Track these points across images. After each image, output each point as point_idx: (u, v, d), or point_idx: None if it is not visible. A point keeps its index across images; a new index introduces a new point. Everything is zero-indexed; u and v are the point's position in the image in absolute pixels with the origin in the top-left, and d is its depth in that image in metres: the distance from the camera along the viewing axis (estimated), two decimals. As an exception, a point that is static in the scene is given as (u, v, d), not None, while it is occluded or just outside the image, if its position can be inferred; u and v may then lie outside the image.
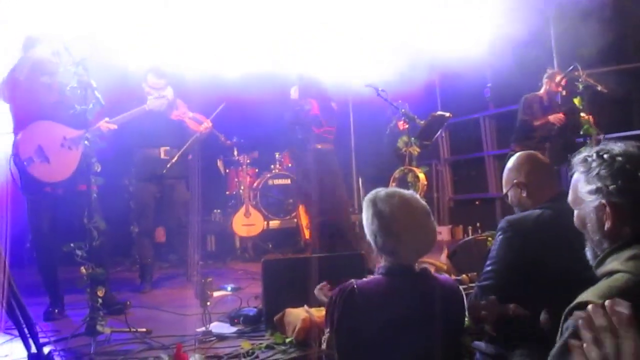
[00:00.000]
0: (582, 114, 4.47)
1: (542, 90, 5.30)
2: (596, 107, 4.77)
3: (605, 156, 1.18)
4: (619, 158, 1.16)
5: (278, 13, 5.23)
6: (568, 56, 5.21)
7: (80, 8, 4.19)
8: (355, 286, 1.76)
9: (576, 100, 4.42)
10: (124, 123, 4.10)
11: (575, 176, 1.25)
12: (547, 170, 2.26)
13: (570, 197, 1.29)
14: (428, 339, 1.76)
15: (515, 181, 2.19)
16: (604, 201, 1.17)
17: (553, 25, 5.94)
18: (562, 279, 1.83)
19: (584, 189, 1.21)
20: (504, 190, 2.27)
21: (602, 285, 1.11)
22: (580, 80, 4.51)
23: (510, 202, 2.27)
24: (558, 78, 5.13)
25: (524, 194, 2.16)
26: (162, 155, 4.65)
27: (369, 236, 1.87)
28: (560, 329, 1.10)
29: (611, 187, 1.15)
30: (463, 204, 7.79)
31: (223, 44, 5.29)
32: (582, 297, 1.08)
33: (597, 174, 1.18)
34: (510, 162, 2.25)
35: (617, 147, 1.19)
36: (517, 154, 2.28)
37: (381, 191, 1.87)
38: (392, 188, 1.96)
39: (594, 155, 1.20)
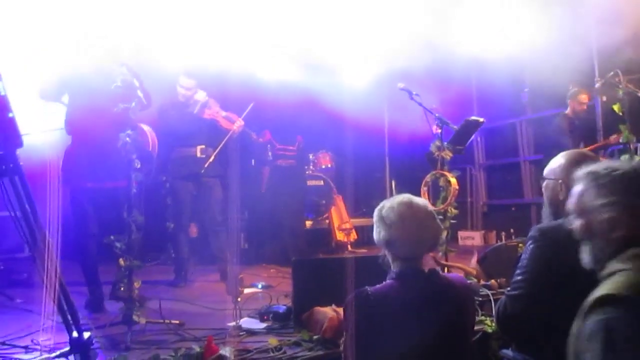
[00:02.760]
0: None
1: (568, 110, 5.52)
2: (636, 113, 4.66)
3: (614, 173, 1.33)
4: (627, 174, 1.33)
5: (310, 16, 5.29)
6: (609, 61, 5.10)
7: (119, 10, 4.35)
8: (369, 292, 1.85)
9: (615, 107, 4.32)
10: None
11: (580, 188, 1.39)
12: None
13: (573, 207, 1.41)
14: (441, 338, 1.81)
15: (559, 181, 2.12)
16: (614, 214, 1.31)
17: (594, 30, 5.82)
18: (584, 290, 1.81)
19: (594, 200, 1.34)
20: (544, 174, 2.21)
21: (612, 280, 1.23)
22: (620, 86, 4.40)
23: (543, 189, 2.20)
24: (581, 97, 5.39)
25: (561, 197, 2.09)
26: (199, 154, 4.78)
27: (375, 236, 1.98)
28: (581, 325, 1.19)
29: (621, 200, 1.32)
30: (497, 209, 7.68)
31: (258, 45, 5.39)
32: (598, 293, 1.19)
33: (608, 187, 1.32)
34: (563, 157, 2.18)
35: (624, 164, 1.37)
36: (572, 151, 2.23)
37: None
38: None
39: (602, 171, 1.34)
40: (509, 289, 2.08)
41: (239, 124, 4.89)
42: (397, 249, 1.92)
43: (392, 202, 1.95)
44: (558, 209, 2.12)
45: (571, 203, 1.43)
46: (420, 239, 1.91)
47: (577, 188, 1.40)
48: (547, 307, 1.89)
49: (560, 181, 2.11)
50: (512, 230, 6.66)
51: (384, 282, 1.94)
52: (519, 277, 2.02)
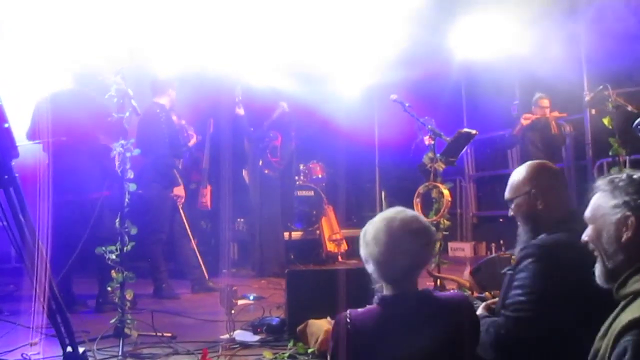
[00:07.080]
0: None
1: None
2: (625, 127, 4.72)
3: (634, 176, 1.29)
4: None
5: (303, 27, 5.33)
6: (598, 75, 5.18)
7: (116, 17, 4.34)
8: (348, 319, 1.69)
9: (605, 120, 4.36)
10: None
11: (598, 195, 1.34)
12: (564, 183, 2.16)
13: (588, 214, 1.35)
14: None
15: (532, 191, 2.02)
16: (628, 213, 1.25)
17: (584, 44, 5.92)
18: (591, 305, 1.74)
19: (607, 203, 1.30)
20: (509, 196, 2.10)
21: None
22: (610, 99, 4.45)
23: (513, 212, 2.09)
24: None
25: (540, 206, 2.01)
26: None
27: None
28: (609, 351, 1.13)
29: (638, 201, 1.25)
30: (487, 221, 7.72)
31: (251, 55, 5.42)
32: (629, 317, 1.11)
33: (625, 190, 1.27)
34: (524, 170, 2.10)
35: None
36: (530, 162, 2.16)
37: None
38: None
39: (623, 176, 1.30)
40: (505, 311, 1.91)
41: (193, 141, 5.20)
42: (374, 269, 1.73)
43: (377, 217, 1.76)
44: (537, 220, 2.02)
45: (587, 212, 1.37)
46: (397, 262, 1.68)
47: (595, 196, 1.34)
48: (554, 330, 1.78)
49: (533, 191, 2.03)
50: (501, 242, 6.69)
51: (367, 307, 1.76)
52: (522, 298, 1.86)
